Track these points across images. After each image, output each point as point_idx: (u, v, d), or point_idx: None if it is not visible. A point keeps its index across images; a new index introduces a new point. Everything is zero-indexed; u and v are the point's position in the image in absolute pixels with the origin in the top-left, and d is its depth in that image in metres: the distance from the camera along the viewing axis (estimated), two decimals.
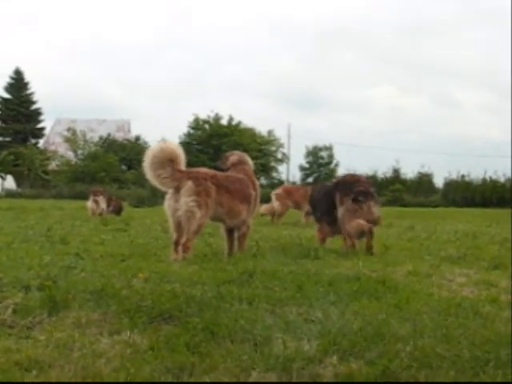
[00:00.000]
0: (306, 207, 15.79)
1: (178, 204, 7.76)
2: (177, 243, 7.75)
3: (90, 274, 6.11)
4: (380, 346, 3.73)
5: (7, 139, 73.42)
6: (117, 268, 6.56)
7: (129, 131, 72.51)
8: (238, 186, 8.29)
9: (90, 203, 20.02)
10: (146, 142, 63.46)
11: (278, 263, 7.18)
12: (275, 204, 17.60)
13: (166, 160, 7.72)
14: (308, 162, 67.16)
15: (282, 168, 68.50)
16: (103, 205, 20.14)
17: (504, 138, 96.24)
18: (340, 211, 8.81)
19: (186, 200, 7.71)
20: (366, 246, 8.69)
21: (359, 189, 8.68)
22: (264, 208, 17.65)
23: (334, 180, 12.00)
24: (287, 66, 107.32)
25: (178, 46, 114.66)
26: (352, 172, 55.68)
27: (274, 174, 67.15)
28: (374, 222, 8.77)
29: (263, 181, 61.61)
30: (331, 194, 9.04)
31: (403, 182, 54.52)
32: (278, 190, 18.29)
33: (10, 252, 7.94)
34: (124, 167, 62.04)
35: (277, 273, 6.33)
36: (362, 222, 8.58)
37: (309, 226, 14.12)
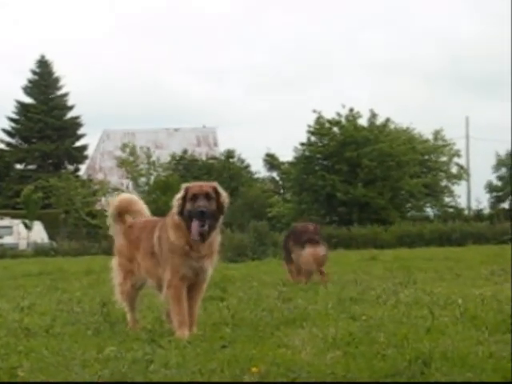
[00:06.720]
0: None
1: None
2: None
3: (176, 371, 4.25)
4: None
5: (31, 167, 51.59)
6: (216, 359, 4.54)
7: (215, 145, 55.96)
8: None
9: None
10: (242, 160, 47.48)
11: (467, 341, 5.00)
12: None
13: None
14: (499, 178, 44.80)
15: (459, 189, 45.42)
16: None
17: None
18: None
19: None
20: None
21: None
22: None
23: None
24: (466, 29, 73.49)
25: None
26: None
27: (447, 200, 44.39)
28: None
29: (429, 211, 42.52)
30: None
31: None
32: None
33: (51, 341, 5.75)
34: None
35: (467, 357, 4.41)
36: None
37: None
